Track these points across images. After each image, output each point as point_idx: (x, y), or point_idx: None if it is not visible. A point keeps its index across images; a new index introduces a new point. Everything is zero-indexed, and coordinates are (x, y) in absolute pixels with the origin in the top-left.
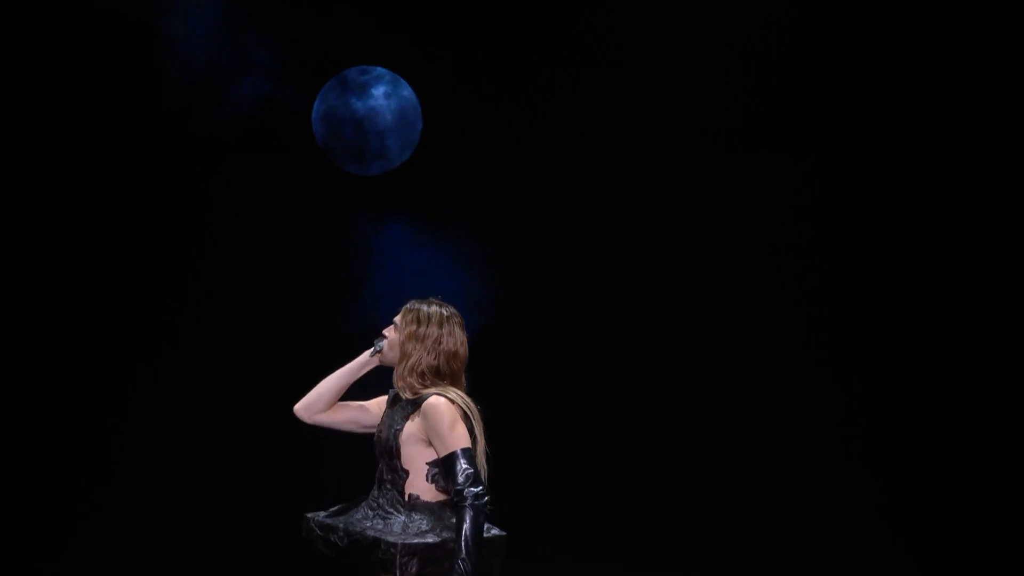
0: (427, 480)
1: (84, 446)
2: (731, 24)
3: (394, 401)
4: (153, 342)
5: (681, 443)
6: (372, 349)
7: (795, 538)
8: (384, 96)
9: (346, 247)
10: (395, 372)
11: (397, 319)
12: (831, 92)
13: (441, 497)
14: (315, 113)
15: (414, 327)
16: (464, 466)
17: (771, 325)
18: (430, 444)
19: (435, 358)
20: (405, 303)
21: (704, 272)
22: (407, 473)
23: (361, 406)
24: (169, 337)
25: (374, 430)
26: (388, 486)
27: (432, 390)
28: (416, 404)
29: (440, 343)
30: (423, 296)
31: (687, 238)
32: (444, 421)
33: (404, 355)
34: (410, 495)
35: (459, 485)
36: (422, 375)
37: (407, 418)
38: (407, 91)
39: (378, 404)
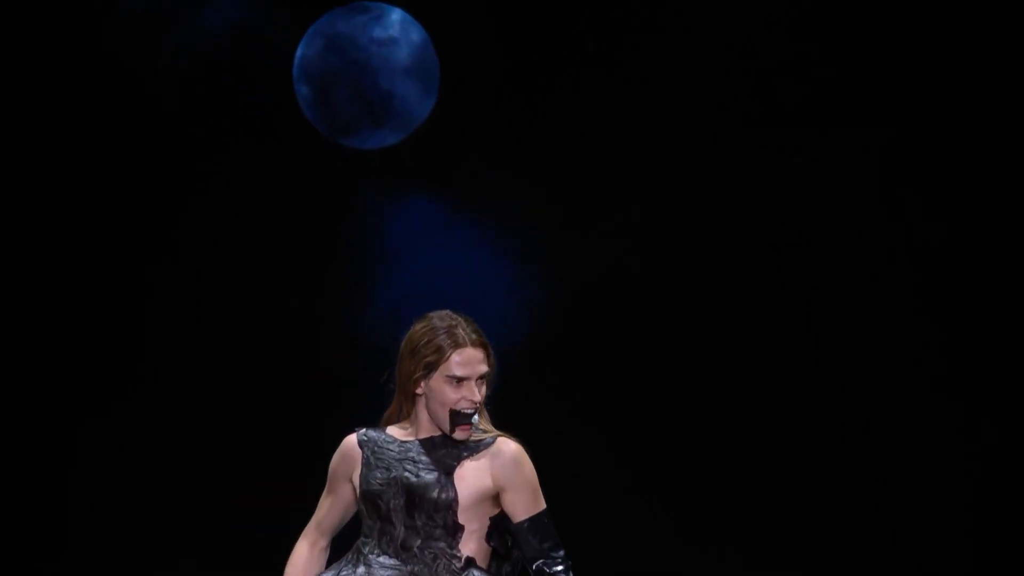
0: (487, 540)
1: (80, 445)
2: None
3: (402, 442)
4: (122, 356)
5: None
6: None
7: None
8: (397, 33)
9: (350, 231)
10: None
11: (483, 355)
12: (913, 48)
13: (488, 561)
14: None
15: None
16: (553, 527)
17: (869, 340)
18: (495, 496)
19: None
20: (468, 320)
21: (795, 273)
22: (462, 530)
23: (335, 498)
24: (144, 342)
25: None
26: (427, 550)
27: (493, 430)
28: (471, 447)
29: None
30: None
31: (767, 235)
32: (535, 474)
33: (492, 378)
34: (467, 559)
35: (561, 548)
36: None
37: (460, 461)
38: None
39: (347, 465)
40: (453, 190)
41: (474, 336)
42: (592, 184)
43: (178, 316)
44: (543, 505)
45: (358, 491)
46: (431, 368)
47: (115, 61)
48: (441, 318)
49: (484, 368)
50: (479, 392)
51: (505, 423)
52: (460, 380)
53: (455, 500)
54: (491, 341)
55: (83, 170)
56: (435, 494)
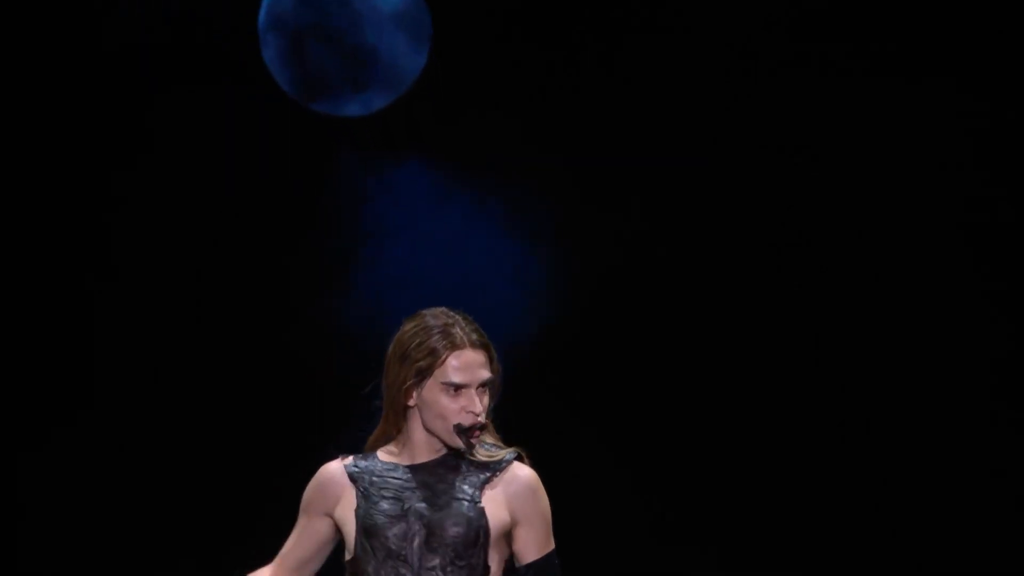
0: None
1: (76, 444)
2: None
3: (406, 468)
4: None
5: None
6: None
7: None
8: None
9: (327, 207)
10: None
11: (485, 359)
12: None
13: None
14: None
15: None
16: (560, 570)
17: (944, 337)
18: (510, 532)
19: None
20: (467, 319)
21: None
22: (488, 572)
23: (305, 533)
24: (92, 341)
25: (336, 534)
26: None
27: (504, 449)
28: (490, 468)
29: None
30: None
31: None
32: (549, 506)
33: (497, 385)
34: None
35: None
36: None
37: (481, 488)
38: None
39: (326, 498)
40: (450, 157)
41: (475, 337)
42: (615, 150)
43: (130, 309)
44: (553, 544)
45: (354, 526)
46: (424, 374)
47: (66, 14)
48: (435, 316)
49: (486, 374)
50: (480, 402)
51: (514, 435)
52: (458, 388)
53: (483, 535)
54: (495, 339)
55: (28, 138)
56: (462, 529)
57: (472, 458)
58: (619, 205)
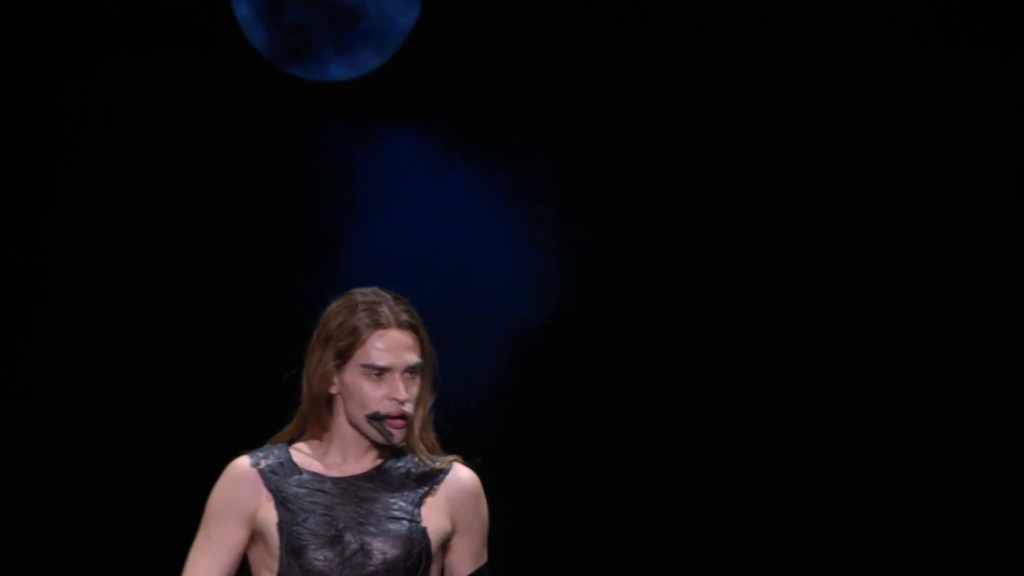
0: None
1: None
2: None
3: (335, 480)
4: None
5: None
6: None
7: None
8: None
9: (310, 180)
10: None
11: (414, 341)
12: None
13: None
14: None
15: (432, 352)
16: None
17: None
18: (447, 540)
19: None
20: (398, 299)
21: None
22: None
23: (219, 550)
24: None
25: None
26: None
27: (448, 455)
28: (429, 480)
29: None
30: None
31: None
32: (487, 512)
33: (426, 394)
34: None
35: None
36: (428, 424)
37: (419, 503)
38: None
39: (241, 503)
40: (448, 124)
41: (404, 317)
42: (634, 116)
43: (85, 289)
44: (486, 556)
45: (278, 541)
46: (345, 357)
47: None
48: (364, 294)
49: (413, 358)
50: (406, 389)
51: (518, 429)
52: (381, 372)
53: (426, 553)
54: (498, 323)
55: None
56: (401, 552)
57: (393, 445)
58: (637, 178)
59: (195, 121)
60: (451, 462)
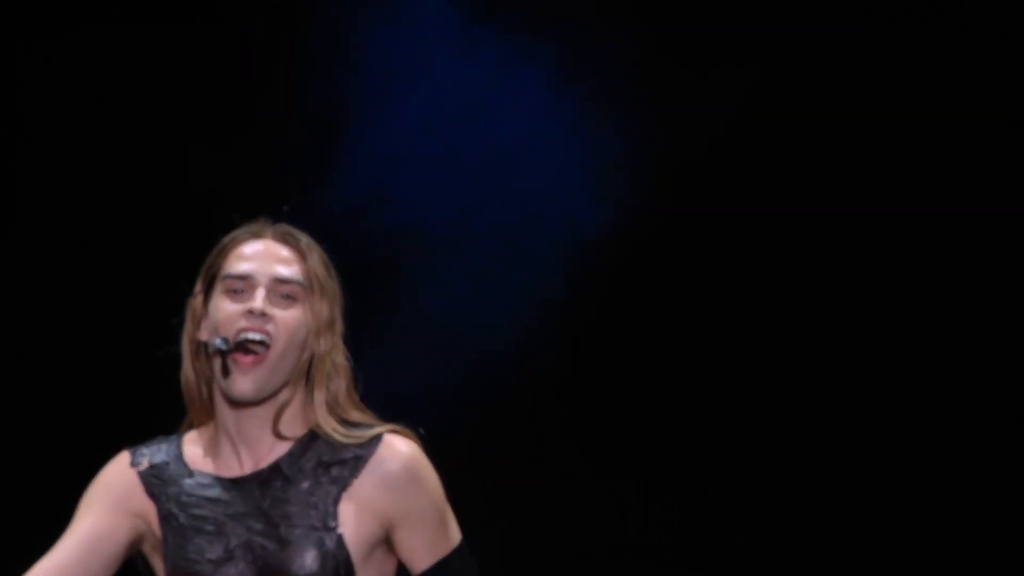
0: None
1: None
2: None
3: (230, 482)
4: None
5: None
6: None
7: None
8: None
9: (312, 54)
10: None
11: (291, 255)
12: None
13: None
14: None
15: (331, 285)
16: (475, 568)
17: None
18: (387, 537)
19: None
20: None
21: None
22: None
23: (82, 540)
24: None
25: (125, 551)
26: None
27: (379, 426)
28: (348, 464)
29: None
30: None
31: None
32: (440, 489)
33: (323, 338)
34: None
35: None
36: (349, 394)
37: (335, 501)
38: None
39: (121, 503)
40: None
41: (282, 231)
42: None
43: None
44: (456, 538)
45: (162, 564)
46: (211, 282)
47: None
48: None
49: (282, 270)
50: (270, 307)
51: (572, 372)
52: (242, 282)
53: (351, 569)
54: (540, 242)
55: None
56: (315, 568)
57: (243, 392)
58: (726, 54)
59: None
60: (374, 438)
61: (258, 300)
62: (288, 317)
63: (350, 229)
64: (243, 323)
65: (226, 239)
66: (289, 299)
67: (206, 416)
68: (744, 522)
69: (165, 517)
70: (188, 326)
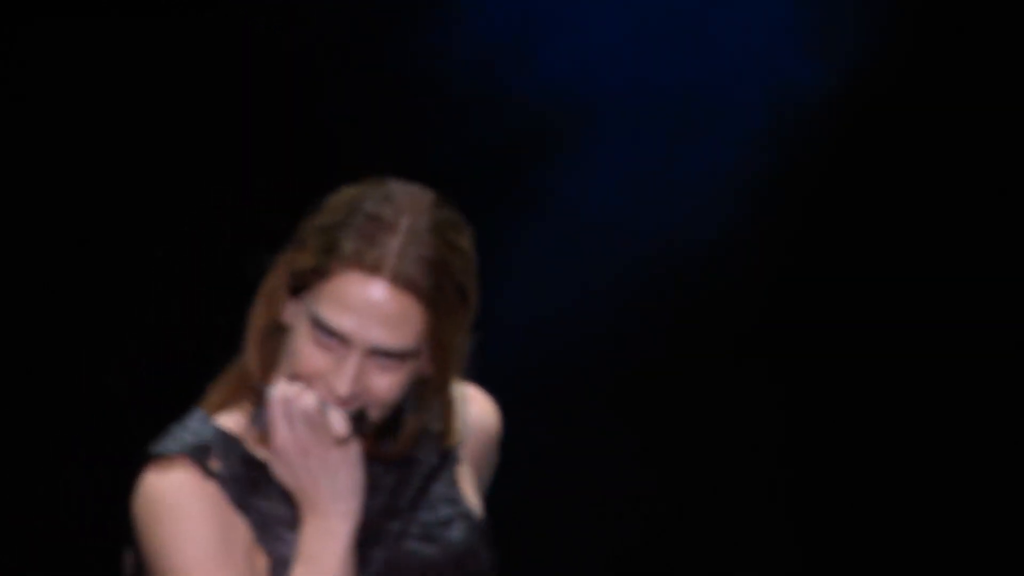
0: None
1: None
2: None
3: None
4: None
5: None
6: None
7: None
8: None
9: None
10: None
11: (410, 311)
12: None
13: None
14: None
15: (464, 312)
16: None
17: None
18: None
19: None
20: (433, 230)
21: None
22: None
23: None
24: None
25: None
26: None
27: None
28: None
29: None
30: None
31: None
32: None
33: (451, 350)
34: None
35: None
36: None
37: (456, 480)
38: None
39: (230, 526)
40: None
41: (410, 270)
42: None
43: None
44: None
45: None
46: (303, 282)
47: None
48: (389, 193)
49: (386, 339)
50: (360, 379)
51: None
52: (330, 336)
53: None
54: (750, 96)
55: None
56: (475, 562)
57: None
58: None
59: None
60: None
61: (345, 380)
62: (384, 385)
63: (479, 97)
64: (326, 393)
65: (340, 233)
66: (388, 360)
67: (259, 371)
68: (745, 524)
69: (260, 529)
70: (278, 279)
